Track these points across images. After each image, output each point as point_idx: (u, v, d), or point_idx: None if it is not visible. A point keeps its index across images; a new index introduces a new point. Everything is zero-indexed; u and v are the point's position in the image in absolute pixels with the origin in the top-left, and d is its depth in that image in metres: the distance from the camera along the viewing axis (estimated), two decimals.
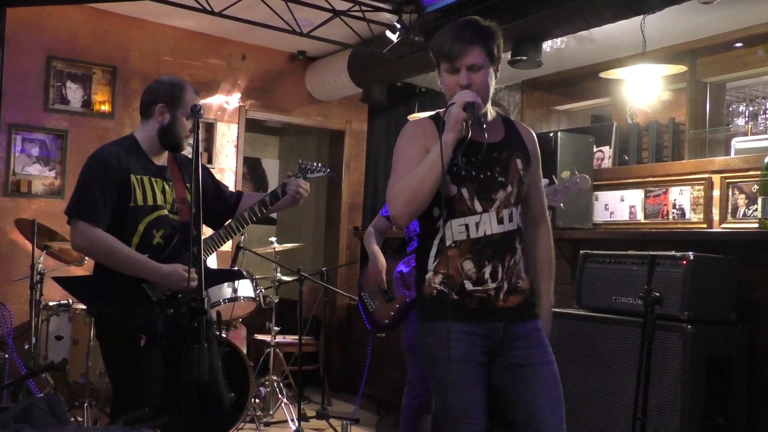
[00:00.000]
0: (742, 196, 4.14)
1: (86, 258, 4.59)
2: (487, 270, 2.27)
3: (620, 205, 4.71)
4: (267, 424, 4.99)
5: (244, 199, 3.11)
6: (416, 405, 3.53)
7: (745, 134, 4.99)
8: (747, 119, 5.14)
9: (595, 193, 4.80)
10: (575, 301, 3.78)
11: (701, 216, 4.30)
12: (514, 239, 2.33)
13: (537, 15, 4.35)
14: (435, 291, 2.29)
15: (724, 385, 3.29)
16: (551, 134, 4.45)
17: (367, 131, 6.85)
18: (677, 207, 4.43)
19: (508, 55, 4.78)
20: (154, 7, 4.95)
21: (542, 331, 2.36)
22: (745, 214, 4.12)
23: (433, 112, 2.45)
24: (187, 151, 2.97)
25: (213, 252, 3.03)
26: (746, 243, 3.60)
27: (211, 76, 6.11)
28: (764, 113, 5.05)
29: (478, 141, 2.22)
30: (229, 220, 3.04)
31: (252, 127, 6.84)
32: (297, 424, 4.69)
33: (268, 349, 5.30)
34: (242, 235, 4.82)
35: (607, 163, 5.28)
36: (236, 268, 4.66)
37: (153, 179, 2.83)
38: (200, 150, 3.09)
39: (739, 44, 5.07)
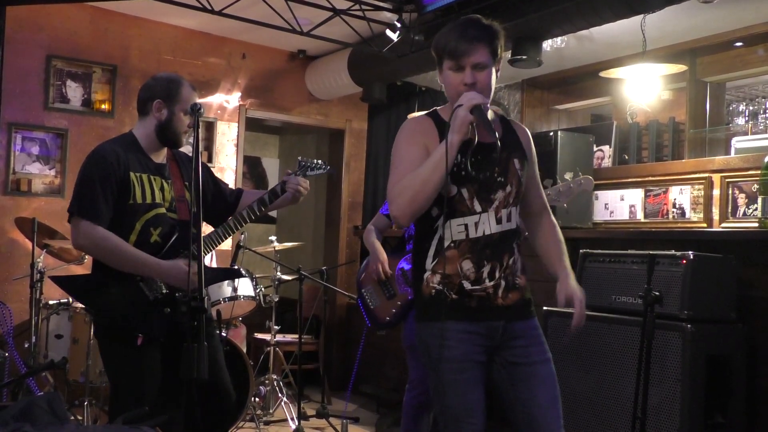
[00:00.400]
0: (742, 195, 4.14)
1: (86, 256, 4.59)
2: (486, 270, 2.27)
3: (620, 205, 4.71)
4: (267, 423, 4.99)
5: (244, 197, 3.11)
6: (417, 404, 3.53)
7: (745, 134, 4.99)
8: (747, 118, 5.14)
9: (595, 192, 4.80)
10: None
11: (701, 215, 4.30)
12: (512, 239, 2.33)
13: (537, 14, 4.35)
14: (434, 291, 2.29)
15: (723, 384, 3.29)
16: (551, 133, 4.46)
17: (367, 130, 6.86)
18: (677, 206, 4.43)
19: (508, 54, 4.78)
20: (154, 5, 4.95)
21: (539, 330, 2.37)
22: (745, 214, 4.12)
23: (430, 110, 2.44)
24: (187, 149, 2.97)
25: (211, 250, 3.02)
26: (746, 242, 3.60)
27: (211, 75, 6.11)
28: (764, 112, 5.05)
29: (482, 142, 2.22)
30: (229, 218, 3.04)
31: (252, 126, 6.84)
32: (297, 423, 4.69)
33: (268, 348, 5.30)
34: (242, 233, 4.82)
35: (607, 163, 5.28)
36: (236, 267, 4.67)
37: (152, 177, 2.83)
38: (200, 149, 3.08)
39: (739, 43, 5.07)
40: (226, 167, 6.19)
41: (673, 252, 3.35)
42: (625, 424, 3.22)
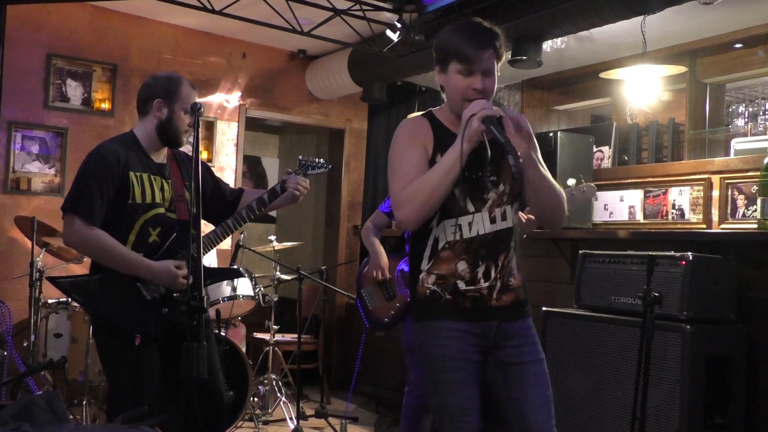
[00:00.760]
0: (742, 196, 4.14)
1: (86, 256, 4.59)
2: (480, 270, 2.27)
3: (620, 205, 4.71)
4: (266, 423, 4.99)
5: (244, 196, 3.10)
6: (417, 406, 3.53)
7: (745, 135, 5.00)
8: (747, 120, 5.14)
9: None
10: (574, 301, 3.79)
11: (700, 216, 4.30)
12: (508, 238, 2.33)
13: (537, 14, 4.35)
14: (428, 291, 2.29)
15: (723, 385, 3.30)
16: (551, 134, 4.45)
17: (367, 130, 6.86)
18: (676, 207, 4.43)
19: (508, 55, 4.77)
20: (154, 5, 4.95)
21: (533, 330, 2.37)
22: (744, 215, 4.12)
23: (425, 111, 2.42)
24: (187, 149, 2.96)
25: (210, 250, 3.02)
26: (745, 243, 3.60)
27: (212, 75, 6.11)
28: (764, 114, 5.05)
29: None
30: (228, 218, 3.03)
31: (252, 125, 6.84)
32: (296, 423, 4.69)
33: (267, 348, 5.30)
34: (241, 233, 4.82)
35: (606, 163, 5.28)
36: (235, 266, 4.67)
37: (152, 177, 2.82)
38: (200, 148, 3.08)
39: (739, 45, 5.07)
40: (226, 166, 6.19)
41: (672, 253, 3.36)
42: (625, 425, 3.22)
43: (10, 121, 5.26)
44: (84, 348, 4.36)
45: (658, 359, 3.16)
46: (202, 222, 2.75)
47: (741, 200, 4.15)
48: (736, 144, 4.77)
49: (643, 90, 5.43)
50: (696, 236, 3.89)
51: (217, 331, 4.38)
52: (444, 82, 2.31)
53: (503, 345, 2.31)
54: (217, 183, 3.11)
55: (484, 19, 2.36)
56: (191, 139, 2.72)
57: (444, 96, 2.37)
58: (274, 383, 5.12)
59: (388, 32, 4.99)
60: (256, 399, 5.01)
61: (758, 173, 3.75)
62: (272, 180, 8.20)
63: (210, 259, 4.83)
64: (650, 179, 4.61)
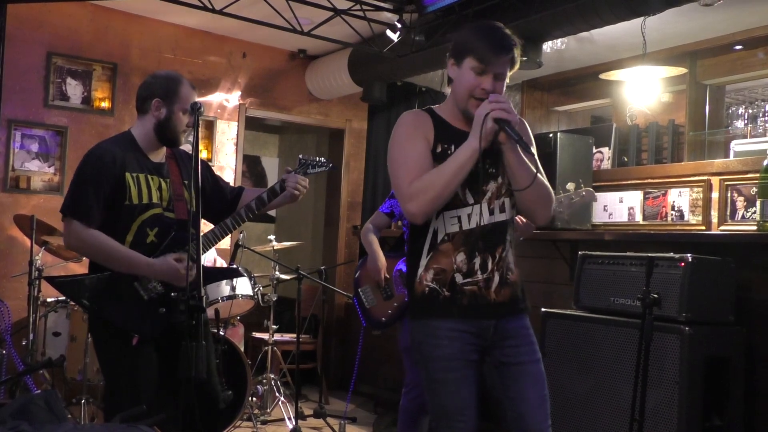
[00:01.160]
0: (741, 198, 4.14)
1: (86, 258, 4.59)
2: (477, 261, 2.29)
3: (619, 207, 4.71)
4: (264, 422, 4.99)
5: (244, 195, 3.09)
6: (415, 407, 3.53)
7: (745, 136, 5.00)
8: (746, 121, 5.14)
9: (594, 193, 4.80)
10: (573, 302, 3.79)
11: (700, 218, 4.30)
12: (505, 230, 2.35)
13: (538, 15, 4.35)
14: (427, 289, 2.30)
15: (721, 387, 3.30)
16: (551, 135, 4.45)
17: (366, 130, 6.86)
18: (676, 209, 4.43)
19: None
20: (155, 4, 4.95)
21: (530, 330, 2.39)
22: (743, 217, 4.12)
23: (425, 108, 2.43)
24: (187, 147, 2.96)
25: (208, 249, 3.01)
26: (744, 245, 3.60)
27: (212, 74, 6.11)
28: (764, 116, 5.05)
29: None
30: (227, 217, 3.02)
31: (252, 125, 6.84)
32: (294, 423, 4.69)
33: (266, 347, 5.30)
34: (241, 232, 4.82)
35: (606, 164, 5.28)
36: (234, 266, 4.67)
37: (149, 177, 2.81)
38: (200, 147, 3.07)
39: (739, 46, 5.07)
40: (226, 166, 6.19)
41: (671, 254, 3.36)
42: (623, 427, 3.22)
43: (9, 119, 5.26)
44: (83, 347, 4.36)
45: (656, 361, 3.16)
46: (202, 221, 2.75)
47: (740, 202, 4.14)
48: (736, 146, 4.76)
49: (643, 91, 5.43)
50: (695, 238, 3.89)
51: (215, 331, 4.38)
52: (455, 75, 2.33)
53: (501, 345, 2.32)
54: (217, 181, 3.10)
55: (485, 19, 2.36)
56: (191, 138, 2.71)
57: (448, 90, 2.40)
58: (272, 383, 5.11)
59: (389, 32, 4.99)
60: (254, 399, 5.01)
61: (758, 175, 3.75)
62: (272, 180, 8.19)
63: (211, 256, 4.83)
64: (650, 180, 4.60)
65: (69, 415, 4.15)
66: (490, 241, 2.30)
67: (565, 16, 4.29)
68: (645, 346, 2.94)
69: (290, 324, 6.28)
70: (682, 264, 3.29)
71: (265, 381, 5.12)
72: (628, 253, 3.59)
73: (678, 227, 4.38)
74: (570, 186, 3.74)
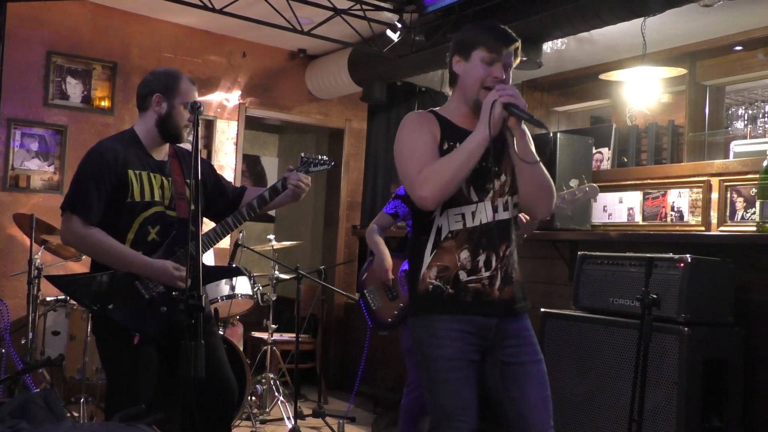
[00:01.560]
0: (741, 199, 4.14)
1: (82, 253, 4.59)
2: (481, 259, 2.30)
3: (618, 207, 4.71)
4: (263, 422, 4.99)
5: (246, 194, 3.09)
6: (416, 406, 3.52)
7: (744, 137, 5.00)
8: (746, 122, 5.14)
9: None
10: (572, 302, 3.79)
11: (699, 218, 4.30)
12: (509, 228, 2.37)
13: (537, 16, 4.35)
14: (430, 286, 2.31)
15: (720, 388, 3.30)
16: (550, 135, 4.45)
17: (366, 130, 6.86)
18: (675, 209, 4.43)
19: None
20: (155, 3, 4.95)
21: (531, 331, 2.39)
22: (743, 217, 4.12)
23: (428, 110, 2.46)
24: (188, 146, 2.95)
25: (210, 248, 3.01)
26: (744, 246, 3.60)
27: (212, 73, 6.11)
28: (763, 116, 5.05)
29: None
30: (229, 216, 3.02)
31: (252, 124, 6.84)
32: (293, 422, 4.69)
33: (265, 347, 5.30)
34: (240, 232, 4.82)
35: (605, 165, 5.28)
36: (234, 265, 4.66)
37: (152, 174, 2.81)
38: (200, 146, 3.07)
39: (738, 47, 5.08)
40: (225, 165, 6.19)
41: (671, 255, 3.36)
42: (622, 427, 3.22)
43: (9, 118, 5.26)
44: (82, 346, 4.36)
45: (655, 361, 3.16)
46: (203, 220, 2.75)
47: (740, 203, 4.15)
48: (736, 146, 4.77)
49: (642, 92, 5.43)
50: (694, 238, 3.89)
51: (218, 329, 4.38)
52: (463, 70, 2.36)
53: (502, 345, 2.32)
54: (219, 180, 3.10)
55: (485, 19, 2.39)
56: (191, 137, 2.71)
57: (448, 90, 2.44)
58: (271, 382, 5.11)
59: (389, 32, 4.99)
60: (253, 398, 5.01)
61: (757, 176, 3.75)
62: (271, 179, 8.19)
63: (207, 259, 4.83)
64: (649, 181, 4.60)
65: (68, 414, 4.15)
66: (494, 238, 2.31)
67: (564, 16, 4.29)
68: (644, 346, 2.94)
69: (289, 324, 6.27)
70: (682, 265, 3.29)
71: (264, 380, 5.12)
72: (627, 254, 3.59)
73: (677, 228, 4.38)
74: (573, 182, 3.74)
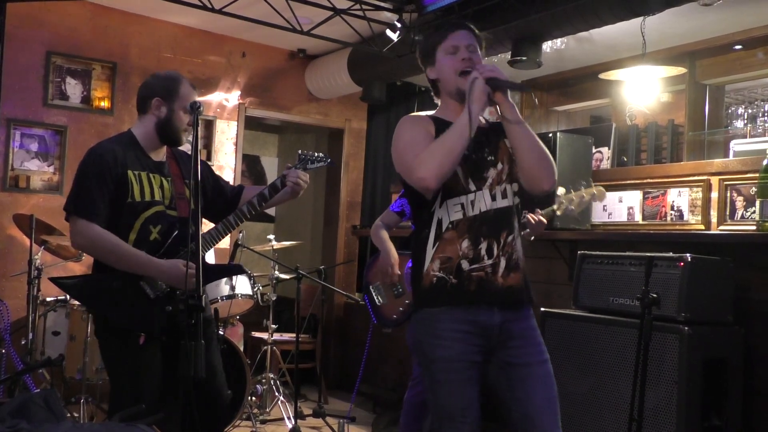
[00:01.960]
0: (740, 198, 4.14)
1: (84, 254, 4.59)
2: (483, 247, 2.30)
3: (618, 206, 4.71)
4: (263, 422, 4.99)
5: (244, 193, 3.09)
6: (419, 401, 3.52)
7: (744, 136, 5.00)
8: (746, 121, 5.15)
9: None
10: (572, 302, 3.79)
11: (699, 218, 4.30)
12: (510, 216, 2.37)
13: (537, 15, 4.35)
14: (435, 279, 2.31)
15: (720, 387, 3.30)
16: (550, 134, 4.45)
17: (366, 130, 6.86)
18: (675, 208, 4.43)
19: (507, 55, 4.78)
20: (154, 3, 4.95)
21: (537, 330, 2.38)
22: (743, 217, 4.12)
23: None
24: (186, 148, 2.96)
25: (211, 247, 3.01)
26: (744, 245, 3.60)
27: (211, 73, 6.11)
28: (763, 115, 5.05)
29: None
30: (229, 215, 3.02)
31: (251, 124, 6.84)
32: (293, 422, 4.69)
33: (265, 347, 5.30)
34: (240, 232, 4.82)
35: (605, 164, 5.29)
36: (235, 263, 4.66)
37: (151, 175, 2.81)
38: (199, 147, 3.07)
39: (738, 46, 5.08)
40: (225, 165, 6.19)
41: (670, 254, 3.36)
42: (622, 426, 3.22)
43: (9, 118, 5.26)
44: (82, 346, 4.36)
45: (655, 360, 3.16)
46: (203, 221, 2.75)
47: (740, 202, 4.15)
48: (735, 145, 4.76)
49: (642, 91, 5.43)
50: (694, 238, 3.89)
51: (218, 333, 4.37)
52: (437, 73, 2.42)
53: (507, 346, 2.30)
54: (217, 180, 3.10)
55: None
56: (191, 138, 2.71)
57: (437, 101, 2.48)
58: (271, 382, 5.12)
59: (388, 32, 4.99)
60: (253, 398, 5.01)
61: (757, 175, 3.75)
62: (271, 179, 8.09)
63: (207, 259, 4.82)
64: (649, 180, 4.60)
65: (68, 414, 4.15)
66: (494, 226, 2.32)
67: (564, 16, 4.29)
68: (644, 345, 2.94)
69: (289, 323, 6.27)
70: (681, 264, 3.29)
71: (264, 380, 5.12)
72: (627, 253, 3.59)
73: (677, 227, 4.38)
74: (583, 187, 3.74)
